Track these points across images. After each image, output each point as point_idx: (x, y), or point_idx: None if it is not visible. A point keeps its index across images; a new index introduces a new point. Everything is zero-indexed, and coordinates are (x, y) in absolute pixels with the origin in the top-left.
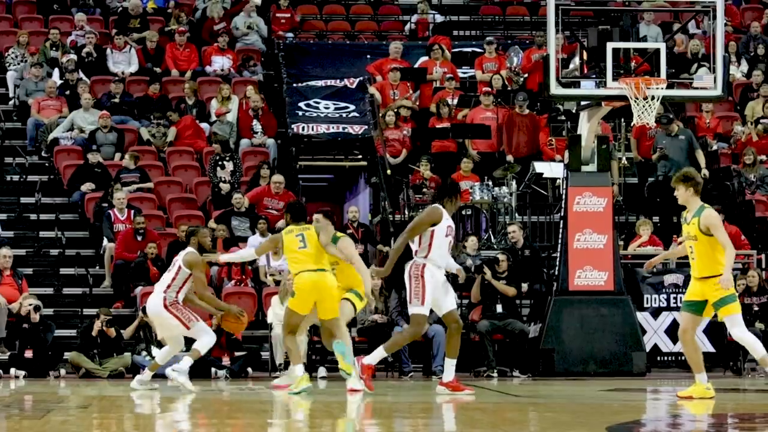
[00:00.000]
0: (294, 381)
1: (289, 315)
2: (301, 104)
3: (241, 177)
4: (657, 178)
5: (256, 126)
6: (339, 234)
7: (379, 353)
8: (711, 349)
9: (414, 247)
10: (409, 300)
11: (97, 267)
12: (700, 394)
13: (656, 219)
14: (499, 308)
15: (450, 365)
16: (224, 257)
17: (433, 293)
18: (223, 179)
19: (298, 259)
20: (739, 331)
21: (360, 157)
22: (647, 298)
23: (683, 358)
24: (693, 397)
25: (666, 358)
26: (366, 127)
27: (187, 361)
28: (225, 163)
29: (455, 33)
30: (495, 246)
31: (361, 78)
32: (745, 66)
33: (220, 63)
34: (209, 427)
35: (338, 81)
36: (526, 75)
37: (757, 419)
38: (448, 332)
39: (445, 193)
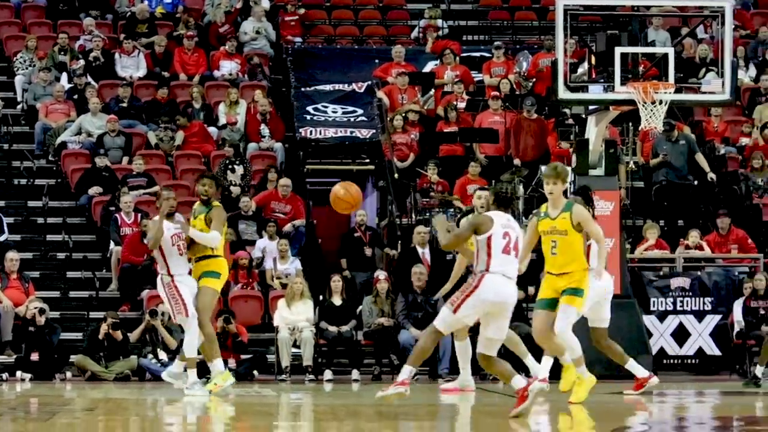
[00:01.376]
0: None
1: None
2: (309, 108)
3: (250, 180)
4: (661, 183)
5: (264, 130)
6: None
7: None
8: (717, 353)
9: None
10: None
11: (104, 270)
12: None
13: (662, 222)
14: None
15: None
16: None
17: None
18: (233, 182)
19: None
20: (564, 326)
21: (368, 161)
22: (654, 302)
23: (689, 361)
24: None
25: (672, 361)
26: (374, 131)
27: (177, 365)
28: (235, 166)
29: (464, 38)
30: None
31: (369, 82)
32: (753, 70)
33: (228, 67)
34: (215, 429)
35: (346, 85)
36: (534, 79)
37: (762, 423)
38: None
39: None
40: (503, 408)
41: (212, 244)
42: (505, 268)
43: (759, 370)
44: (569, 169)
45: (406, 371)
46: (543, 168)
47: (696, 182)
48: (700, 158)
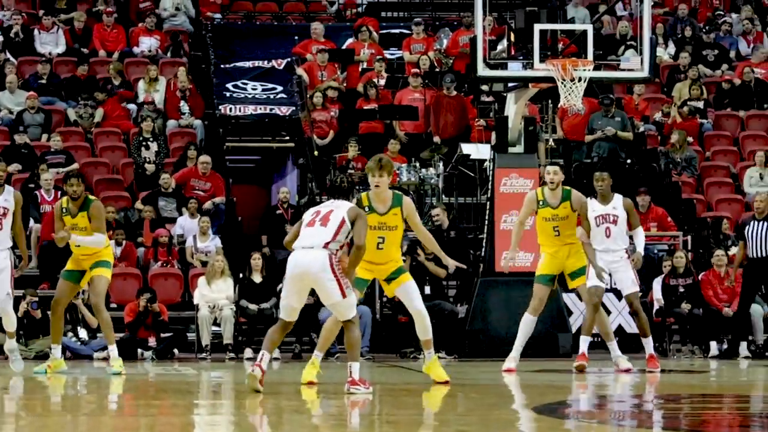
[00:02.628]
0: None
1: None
2: (229, 85)
3: (165, 157)
4: (592, 159)
5: (184, 107)
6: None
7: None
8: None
9: None
10: None
11: None
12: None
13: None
14: (427, 290)
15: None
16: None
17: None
18: (148, 160)
19: None
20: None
21: (287, 138)
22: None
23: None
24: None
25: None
26: (293, 108)
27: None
28: (149, 143)
29: (383, 14)
30: None
31: (289, 59)
32: (672, 48)
33: (148, 44)
34: (135, 407)
35: (266, 62)
36: (453, 56)
37: (683, 399)
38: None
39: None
40: (426, 387)
41: (101, 246)
42: (303, 241)
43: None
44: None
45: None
46: (462, 145)
47: (629, 161)
48: (626, 136)
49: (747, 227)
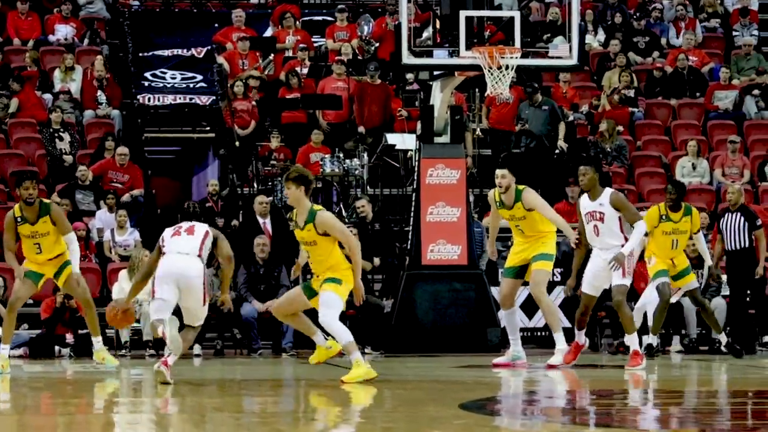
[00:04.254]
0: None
1: None
2: (147, 74)
3: (79, 148)
4: (520, 149)
5: (101, 97)
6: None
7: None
8: (567, 324)
9: None
10: None
11: None
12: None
13: None
14: None
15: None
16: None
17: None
18: (64, 151)
19: None
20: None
21: (208, 128)
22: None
23: (539, 333)
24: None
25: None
26: (214, 97)
27: None
28: (62, 134)
29: (305, 1)
30: (346, 220)
31: (209, 47)
32: (602, 35)
33: (64, 32)
34: (53, 406)
35: (185, 50)
36: (377, 44)
37: (615, 395)
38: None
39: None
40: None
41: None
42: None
43: (653, 340)
44: (301, 168)
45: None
46: (386, 135)
47: (557, 151)
48: (561, 127)
49: (722, 220)
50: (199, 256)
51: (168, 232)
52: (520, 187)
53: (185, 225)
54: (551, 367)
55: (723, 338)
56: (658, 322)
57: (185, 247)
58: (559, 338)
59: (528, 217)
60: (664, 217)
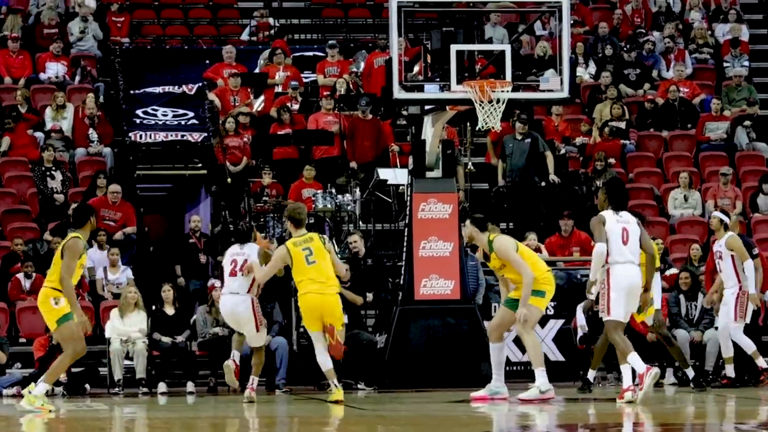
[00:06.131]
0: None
1: None
2: (139, 111)
3: (71, 186)
4: (506, 182)
5: (92, 134)
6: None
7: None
8: (560, 358)
9: None
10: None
11: None
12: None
13: (503, 225)
14: (345, 318)
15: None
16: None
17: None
18: (56, 189)
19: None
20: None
21: (200, 165)
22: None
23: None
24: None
25: (515, 368)
26: (205, 134)
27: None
28: (54, 173)
29: (296, 37)
30: (339, 255)
31: (200, 84)
32: (593, 67)
33: (55, 70)
34: None
35: (176, 87)
36: (368, 79)
37: (610, 428)
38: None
39: None
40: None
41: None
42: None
43: (591, 374)
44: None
45: None
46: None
47: (543, 183)
48: (549, 159)
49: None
50: (249, 292)
51: (227, 261)
52: (492, 236)
53: (240, 259)
54: (524, 401)
55: (690, 372)
56: (599, 357)
57: (236, 288)
58: (540, 374)
59: (507, 266)
60: None
